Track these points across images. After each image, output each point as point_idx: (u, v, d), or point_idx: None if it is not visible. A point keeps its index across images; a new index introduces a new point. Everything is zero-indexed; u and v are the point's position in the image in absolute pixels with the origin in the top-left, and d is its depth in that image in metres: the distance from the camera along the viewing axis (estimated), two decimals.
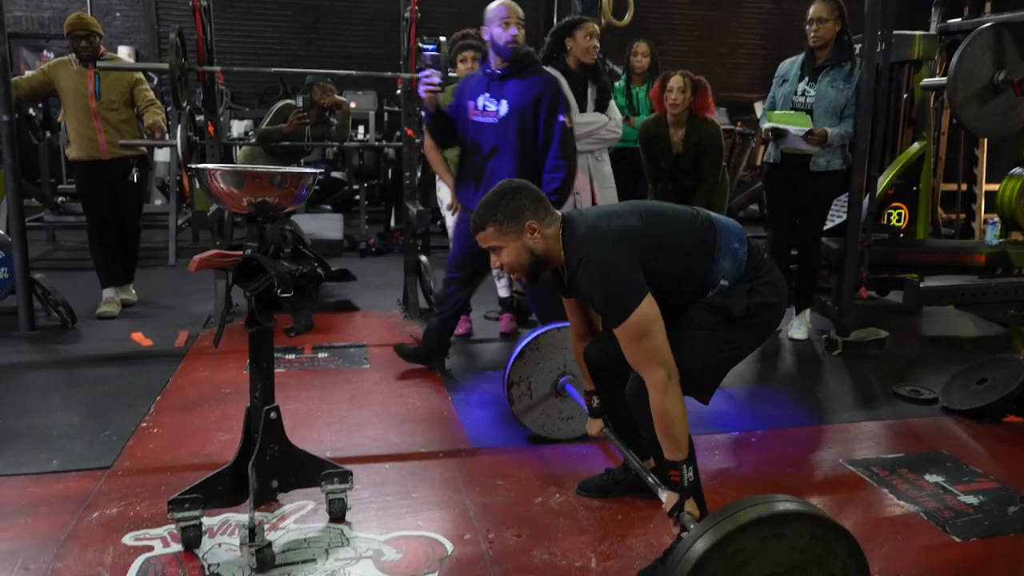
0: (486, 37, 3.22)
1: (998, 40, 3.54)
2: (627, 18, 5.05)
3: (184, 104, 4.13)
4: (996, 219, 4.99)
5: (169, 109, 6.09)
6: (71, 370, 3.56)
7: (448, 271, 3.49)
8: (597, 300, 1.94)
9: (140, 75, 4.60)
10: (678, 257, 1.98)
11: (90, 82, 4.30)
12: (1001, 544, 2.23)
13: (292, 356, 3.78)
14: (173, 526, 2.10)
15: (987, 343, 4.34)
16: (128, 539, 2.13)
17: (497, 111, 3.20)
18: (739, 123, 9.14)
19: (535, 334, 2.76)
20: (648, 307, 1.87)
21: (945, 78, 3.43)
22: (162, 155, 6.92)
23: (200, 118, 4.96)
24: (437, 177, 4.28)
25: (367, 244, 6.67)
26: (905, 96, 5.06)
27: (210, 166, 2.00)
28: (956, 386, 3.35)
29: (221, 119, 5.26)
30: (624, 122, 4.10)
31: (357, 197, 7.36)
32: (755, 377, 3.70)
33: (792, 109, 4.00)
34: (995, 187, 5.63)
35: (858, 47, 3.90)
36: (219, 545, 2.11)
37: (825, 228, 4.31)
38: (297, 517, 2.27)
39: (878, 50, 3.68)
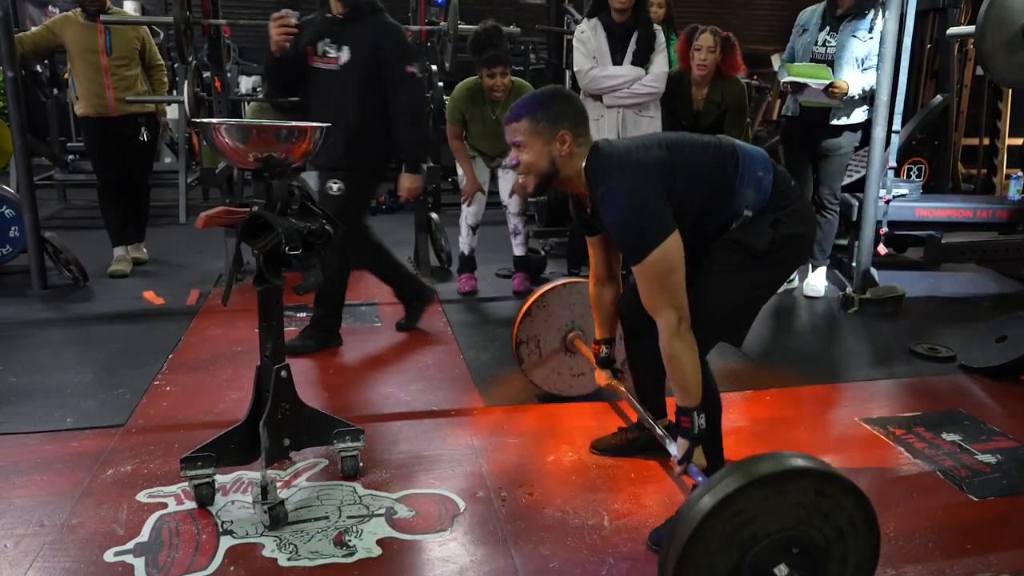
0: None
1: None
2: None
3: (190, 59, 4.06)
4: (1019, 174, 4.88)
5: (175, 65, 6.01)
6: (84, 328, 3.56)
7: None
8: (620, 232, 1.86)
9: (148, 31, 4.53)
10: (702, 188, 1.90)
11: (100, 37, 4.23)
12: (1019, 503, 2.20)
13: (303, 314, 3.76)
14: (186, 483, 2.10)
15: (1008, 300, 4.27)
16: (142, 496, 2.14)
17: (338, 57, 3.05)
18: (755, 76, 8.95)
19: (543, 291, 2.73)
20: (673, 245, 1.80)
21: (972, 27, 3.30)
22: (171, 112, 6.86)
23: (207, 74, 4.89)
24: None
25: (378, 202, 6.62)
26: (929, 46, 4.91)
27: (214, 121, 1.95)
28: (974, 344, 3.30)
29: (229, 75, 5.19)
30: None
31: None
32: (770, 335, 3.66)
33: (812, 60, 3.89)
34: (1018, 141, 5.51)
35: None
36: (232, 503, 2.12)
37: (844, 183, 4.23)
38: (309, 475, 2.28)
39: None
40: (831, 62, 3.83)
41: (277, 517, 1.99)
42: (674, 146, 1.93)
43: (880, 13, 3.74)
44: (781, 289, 3.26)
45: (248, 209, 1.96)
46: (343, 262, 3.24)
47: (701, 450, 1.88)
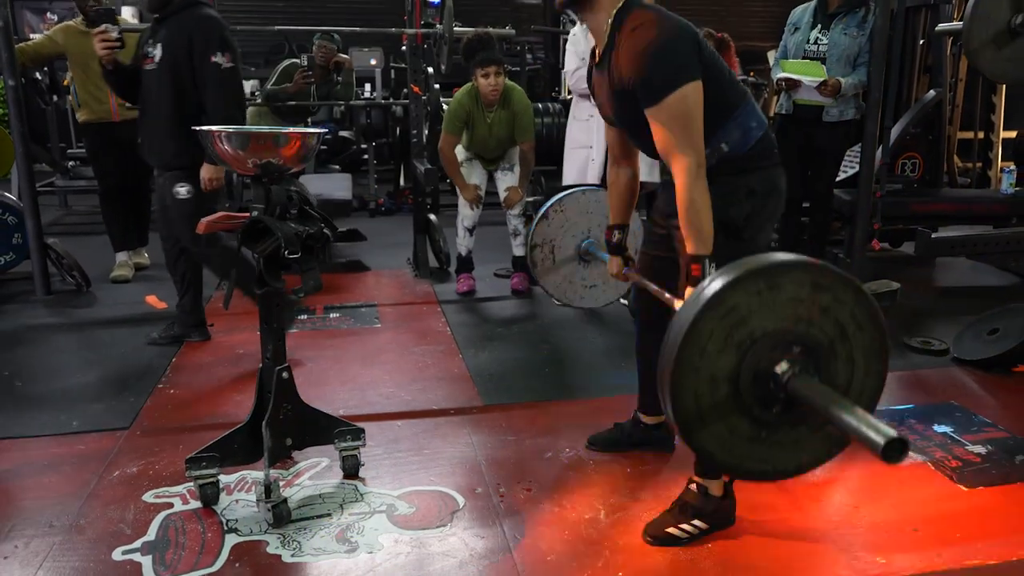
0: None
1: None
2: None
3: None
4: (1012, 167, 4.91)
5: None
6: (87, 333, 3.61)
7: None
8: (649, 65, 1.77)
9: None
10: (709, 89, 1.84)
11: None
12: (1008, 492, 2.25)
13: (304, 317, 3.81)
14: (191, 484, 2.14)
15: (1002, 293, 4.31)
16: (148, 496, 2.18)
17: (154, 56, 3.07)
18: (752, 73, 8.98)
19: (561, 196, 2.74)
20: (697, 90, 1.77)
21: (961, 23, 3.35)
22: None
23: None
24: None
25: (377, 204, 6.67)
26: (922, 42, 4.94)
27: (214, 128, 1.99)
28: (967, 337, 3.35)
29: None
30: None
31: (366, 156, 7.33)
32: None
33: (805, 58, 3.93)
34: (1012, 134, 5.53)
35: None
36: (236, 502, 2.16)
37: (838, 179, 4.26)
38: (312, 474, 2.32)
39: None
40: (823, 59, 3.87)
41: (280, 515, 2.04)
42: (707, 47, 1.90)
43: (870, 10, 3.78)
44: None
45: (248, 214, 2.01)
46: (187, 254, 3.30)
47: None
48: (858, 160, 4.02)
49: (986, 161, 6.03)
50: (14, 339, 3.49)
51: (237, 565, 1.89)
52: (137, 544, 1.97)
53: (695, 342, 1.33)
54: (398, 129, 7.15)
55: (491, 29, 4.43)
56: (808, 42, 3.94)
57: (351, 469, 2.30)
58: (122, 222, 4.54)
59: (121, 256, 4.55)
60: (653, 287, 2.05)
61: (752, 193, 1.93)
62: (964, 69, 5.39)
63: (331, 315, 3.86)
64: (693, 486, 2.03)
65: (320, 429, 2.26)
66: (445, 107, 4.27)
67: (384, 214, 6.61)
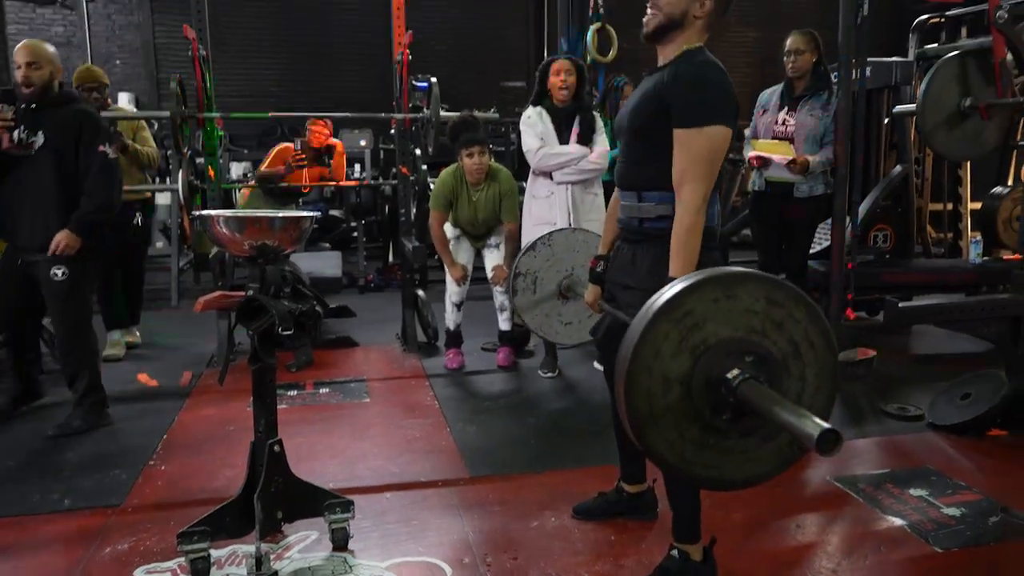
0: None
1: (963, 68, 3.68)
2: (612, 54, 5.22)
3: (185, 149, 4.27)
4: (979, 237, 5.10)
5: (170, 153, 6.23)
6: None
7: None
8: (699, 90, 1.91)
9: (142, 121, 4.75)
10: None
11: None
12: (981, 553, 2.31)
13: (294, 392, 3.86)
14: (183, 559, 2.17)
15: (976, 360, 4.42)
16: (139, 572, 2.21)
17: (34, 143, 3.21)
18: (729, 152, 9.29)
19: (551, 231, 2.85)
20: (727, 138, 1.91)
21: (914, 106, 3.56)
22: (163, 199, 7.07)
23: (200, 160, 5.11)
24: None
25: (366, 280, 6.79)
26: (887, 121, 5.20)
27: (213, 213, 2.12)
28: (941, 402, 3.44)
29: (220, 162, 5.41)
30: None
31: (355, 234, 7.50)
32: None
33: (774, 138, 4.14)
34: (979, 205, 5.76)
35: (835, 75, 4.05)
36: None
37: (813, 251, 4.42)
38: (301, 547, 2.35)
39: (853, 77, 3.82)
40: (791, 139, 4.08)
41: None
42: None
43: (833, 92, 4.01)
44: None
45: (244, 293, 2.11)
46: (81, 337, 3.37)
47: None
48: (829, 233, 4.18)
49: (957, 232, 6.25)
50: (5, 417, 3.52)
51: None
52: None
53: (651, 342, 1.39)
54: (387, 207, 7.36)
55: (476, 112, 4.65)
56: (777, 123, 4.16)
57: (340, 541, 2.34)
58: (114, 301, 4.62)
59: (113, 335, 4.61)
60: (622, 315, 2.11)
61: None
62: None
63: (321, 390, 3.92)
64: (674, 552, 2.09)
65: (310, 501, 2.30)
66: (432, 186, 4.44)
67: (373, 290, 6.72)
